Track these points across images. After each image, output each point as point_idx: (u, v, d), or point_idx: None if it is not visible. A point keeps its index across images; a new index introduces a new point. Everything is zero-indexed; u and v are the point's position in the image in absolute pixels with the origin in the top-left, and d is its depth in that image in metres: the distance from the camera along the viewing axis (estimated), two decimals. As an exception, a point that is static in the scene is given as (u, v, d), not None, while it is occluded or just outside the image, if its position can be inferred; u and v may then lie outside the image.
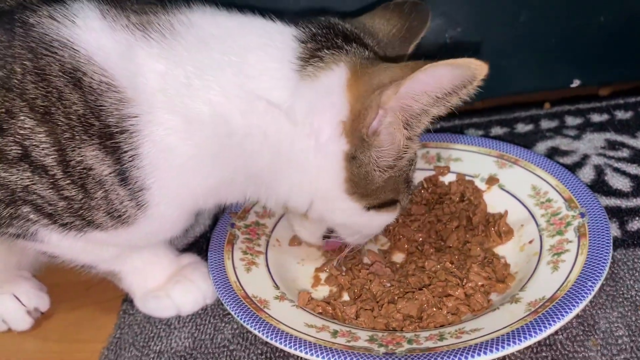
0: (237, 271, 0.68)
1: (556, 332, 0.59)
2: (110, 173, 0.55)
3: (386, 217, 0.65)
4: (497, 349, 0.53)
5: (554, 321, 0.54)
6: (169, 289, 0.69)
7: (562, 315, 0.55)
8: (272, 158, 0.57)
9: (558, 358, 0.58)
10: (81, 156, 0.55)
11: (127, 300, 0.73)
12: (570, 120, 0.95)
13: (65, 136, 0.54)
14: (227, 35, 0.57)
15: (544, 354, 0.59)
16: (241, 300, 0.63)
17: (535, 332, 0.54)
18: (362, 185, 0.58)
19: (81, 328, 0.72)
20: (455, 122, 0.97)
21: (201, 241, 0.80)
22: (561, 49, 0.97)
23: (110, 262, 0.67)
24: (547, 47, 0.97)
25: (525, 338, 0.53)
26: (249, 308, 0.62)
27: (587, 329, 0.60)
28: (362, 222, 0.63)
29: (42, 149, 0.55)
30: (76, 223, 0.58)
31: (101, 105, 0.54)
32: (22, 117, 0.54)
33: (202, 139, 0.56)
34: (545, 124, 0.95)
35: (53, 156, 0.55)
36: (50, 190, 0.56)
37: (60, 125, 0.54)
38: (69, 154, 0.55)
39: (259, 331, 0.59)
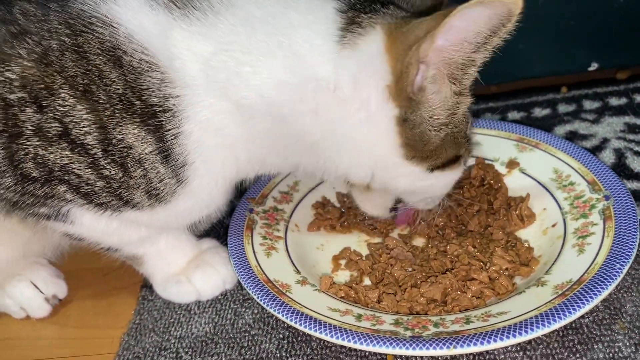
0: (257, 256, 0.67)
1: (582, 316, 0.58)
2: (152, 151, 0.55)
3: (452, 175, 0.62)
4: (526, 332, 0.52)
5: (583, 304, 0.54)
6: (190, 273, 0.69)
7: (591, 298, 0.54)
8: (324, 134, 0.56)
9: (584, 341, 0.57)
10: (122, 134, 0.54)
11: (146, 286, 0.73)
12: (588, 104, 0.94)
13: (106, 114, 0.53)
14: (270, 16, 0.55)
15: (570, 337, 0.58)
16: (263, 285, 0.62)
17: (564, 315, 0.53)
18: (420, 147, 0.57)
19: (99, 314, 0.72)
20: (471, 107, 0.95)
21: (218, 227, 0.80)
22: (579, 31, 0.96)
23: (136, 244, 0.67)
24: (564, 30, 0.96)
25: (554, 321, 0.53)
26: (271, 292, 0.61)
27: (613, 312, 0.60)
28: (428, 185, 0.61)
29: (83, 127, 0.54)
30: (113, 203, 0.58)
31: (142, 85, 0.53)
32: (62, 94, 0.53)
33: (250, 120, 0.56)
34: (562, 108, 0.94)
35: (94, 134, 0.54)
36: (89, 170, 0.56)
37: (101, 103, 0.53)
38: (110, 132, 0.54)
39: (283, 315, 0.58)
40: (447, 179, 0.63)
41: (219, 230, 0.79)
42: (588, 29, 0.96)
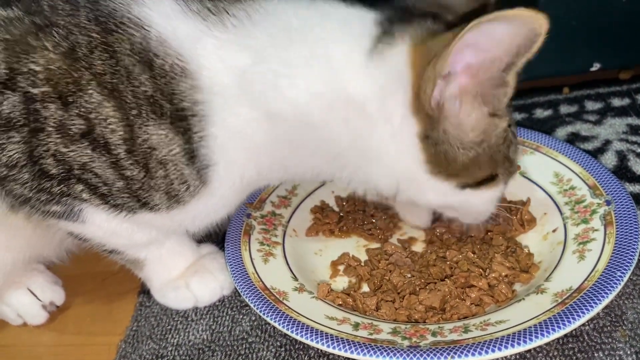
0: (254, 262, 0.67)
1: (583, 324, 0.57)
2: (178, 152, 0.55)
3: (489, 194, 0.60)
4: (525, 342, 0.52)
5: (583, 312, 0.53)
6: (188, 279, 0.69)
7: (591, 307, 0.53)
8: (351, 145, 0.56)
9: (584, 350, 0.57)
10: (147, 134, 0.53)
11: (144, 292, 0.72)
12: (591, 105, 0.93)
13: (132, 113, 0.53)
14: (308, 27, 0.54)
15: (570, 345, 0.57)
16: (260, 292, 0.62)
17: (564, 324, 0.52)
18: (444, 164, 0.55)
19: (97, 321, 0.72)
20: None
21: (217, 232, 0.79)
22: (581, 32, 0.94)
23: (141, 248, 0.66)
24: (566, 30, 0.94)
25: (553, 330, 0.52)
26: (268, 300, 0.61)
27: (614, 320, 0.59)
28: (462, 201, 0.59)
29: (109, 124, 0.53)
30: (130, 204, 0.58)
31: (174, 89, 0.53)
32: (90, 90, 0.52)
33: (278, 128, 0.56)
34: (564, 109, 0.93)
35: (119, 132, 0.53)
36: (110, 170, 0.55)
37: (128, 103, 0.53)
38: (136, 131, 0.53)
39: (279, 324, 0.58)
40: (484, 196, 0.60)
41: (217, 236, 0.78)
42: (590, 29, 0.94)
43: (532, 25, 0.46)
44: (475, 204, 0.61)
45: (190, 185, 0.57)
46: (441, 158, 0.55)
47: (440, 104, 0.52)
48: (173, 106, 0.53)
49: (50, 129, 0.53)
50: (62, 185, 0.56)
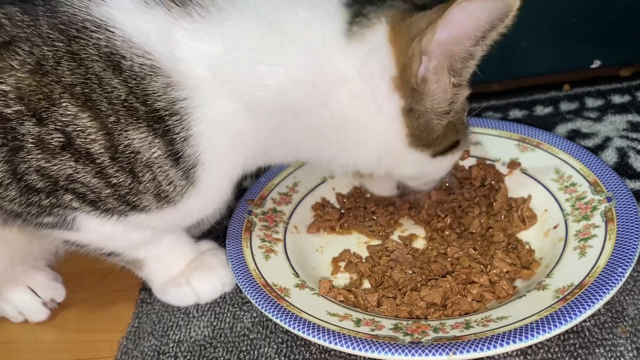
0: (255, 259, 0.67)
1: (584, 319, 0.58)
2: (160, 155, 0.54)
3: (452, 158, 0.65)
4: (527, 338, 0.52)
5: (584, 309, 0.53)
6: (189, 275, 0.69)
7: (593, 303, 0.53)
8: (334, 126, 0.57)
9: (585, 345, 0.57)
10: (129, 139, 0.52)
11: (145, 289, 0.72)
12: (591, 102, 0.93)
13: (110, 120, 0.52)
14: (278, 12, 0.54)
15: (571, 341, 0.57)
16: (262, 289, 0.62)
17: (565, 320, 0.52)
18: (425, 136, 0.59)
19: (98, 318, 0.71)
20: (472, 105, 0.94)
21: (217, 229, 0.79)
22: (581, 28, 0.94)
23: (138, 248, 0.66)
24: (566, 27, 0.95)
25: (555, 326, 0.52)
26: (269, 296, 0.61)
27: (615, 316, 0.59)
28: (431, 169, 0.65)
29: (88, 135, 0.52)
30: (120, 208, 0.57)
31: (146, 90, 0.51)
32: (63, 103, 0.51)
33: (261, 116, 0.56)
34: (564, 106, 0.93)
35: (100, 142, 0.52)
36: (96, 179, 0.54)
37: (104, 110, 0.51)
38: (116, 137, 0.52)
39: (281, 320, 0.58)
40: (448, 162, 0.65)
41: (218, 232, 0.78)
42: (590, 25, 0.94)
43: (508, 2, 0.49)
44: (439, 170, 0.66)
45: (177, 186, 0.56)
46: (422, 130, 0.58)
47: (426, 78, 0.55)
48: (148, 107, 0.52)
49: (30, 145, 0.52)
50: (51, 198, 0.56)
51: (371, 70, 0.55)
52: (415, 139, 0.59)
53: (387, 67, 0.54)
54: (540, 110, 0.93)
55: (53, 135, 0.52)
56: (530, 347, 0.57)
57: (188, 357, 0.63)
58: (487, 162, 0.77)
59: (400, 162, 0.62)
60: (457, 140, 0.63)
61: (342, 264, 0.70)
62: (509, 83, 1.00)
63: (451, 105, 0.58)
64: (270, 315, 0.59)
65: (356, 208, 0.77)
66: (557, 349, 0.57)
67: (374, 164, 0.62)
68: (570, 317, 0.53)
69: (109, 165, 0.54)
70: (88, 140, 0.52)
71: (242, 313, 0.67)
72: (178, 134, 0.53)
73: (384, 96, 0.55)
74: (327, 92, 0.55)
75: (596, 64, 0.97)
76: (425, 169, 0.64)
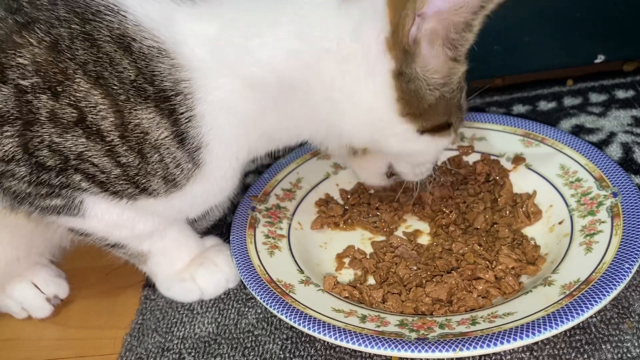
0: (260, 255, 0.67)
1: (590, 315, 0.57)
2: (167, 136, 0.55)
3: (441, 142, 0.64)
4: (533, 334, 0.51)
5: (591, 304, 0.53)
6: (193, 271, 0.68)
7: (600, 299, 0.53)
8: (327, 95, 0.58)
9: (592, 342, 0.57)
10: (138, 119, 0.54)
11: (149, 285, 0.72)
12: (595, 97, 0.92)
13: (121, 98, 0.54)
14: None
15: (577, 337, 0.57)
16: (266, 285, 0.61)
17: (572, 316, 0.52)
18: (414, 103, 0.58)
19: (102, 314, 0.71)
20: (476, 101, 0.95)
21: (221, 225, 0.79)
22: (584, 23, 0.94)
23: (143, 239, 0.66)
24: (570, 22, 0.94)
25: (562, 322, 0.52)
26: (274, 293, 0.60)
27: (621, 312, 0.59)
28: (417, 149, 0.63)
29: (99, 112, 0.54)
30: (129, 190, 0.58)
31: (153, 71, 0.54)
32: (77, 79, 0.53)
33: (260, 94, 0.57)
34: (568, 102, 0.93)
35: (110, 119, 0.54)
36: (106, 158, 0.55)
37: (115, 89, 0.53)
38: (126, 116, 0.54)
39: (286, 316, 0.58)
40: (436, 144, 0.64)
41: (221, 228, 0.78)
42: (594, 20, 0.94)
43: None
44: (426, 152, 0.65)
45: (183, 169, 0.57)
46: (411, 96, 0.57)
47: (417, 40, 0.54)
48: (155, 87, 0.54)
49: (43, 119, 0.54)
50: (61, 177, 0.57)
51: (364, 30, 0.55)
52: (404, 105, 0.58)
53: (381, 27, 0.54)
54: (544, 106, 0.93)
55: (66, 110, 0.54)
56: (536, 343, 0.57)
57: (192, 354, 0.63)
58: (492, 157, 0.77)
59: (388, 133, 0.61)
60: (448, 123, 0.62)
61: (347, 260, 0.69)
62: (512, 78, 1.00)
63: (445, 79, 0.58)
64: (275, 312, 0.59)
65: (360, 204, 0.76)
66: (563, 345, 0.57)
67: (365, 135, 0.61)
68: (577, 313, 0.52)
69: (118, 144, 0.55)
70: (99, 117, 0.54)
71: (247, 309, 0.67)
72: (182, 113, 0.55)
73: (376, 57, 0.55)
74: (319, 59, 0.55)
75: (600, 58, 0.97)
76: (413, 147, 0.62)
